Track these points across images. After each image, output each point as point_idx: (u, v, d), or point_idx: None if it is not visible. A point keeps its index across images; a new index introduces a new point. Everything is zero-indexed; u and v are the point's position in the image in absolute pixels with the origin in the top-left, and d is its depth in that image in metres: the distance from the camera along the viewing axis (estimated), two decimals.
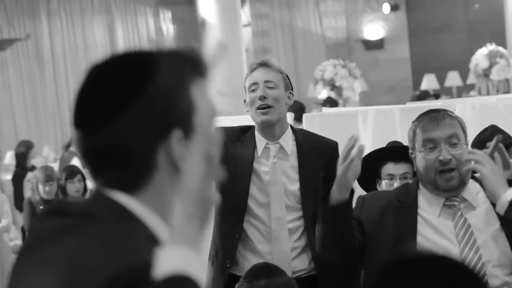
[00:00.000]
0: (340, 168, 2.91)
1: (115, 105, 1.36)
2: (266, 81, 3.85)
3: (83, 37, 15.00)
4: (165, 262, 1.25)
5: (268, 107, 3.80)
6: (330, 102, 10.42)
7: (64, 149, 11.14)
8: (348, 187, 2.93)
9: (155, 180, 1.38)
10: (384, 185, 3.83)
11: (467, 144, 3.09)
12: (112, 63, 1.42)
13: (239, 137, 3.93)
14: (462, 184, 3.04)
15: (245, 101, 3.91)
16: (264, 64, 3.91)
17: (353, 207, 3.20)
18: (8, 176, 10.54)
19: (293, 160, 3.87)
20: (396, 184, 3.75)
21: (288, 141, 3.88)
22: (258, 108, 3.81)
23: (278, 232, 3.86)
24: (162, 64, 1.39)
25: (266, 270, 3.17)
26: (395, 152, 3.83)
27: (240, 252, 3.90)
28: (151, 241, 1.35)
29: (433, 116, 3.10)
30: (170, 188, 1.40)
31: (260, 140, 3.88)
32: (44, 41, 14.72)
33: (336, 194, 2.94)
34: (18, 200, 9.43)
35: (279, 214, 3.85)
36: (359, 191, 3.98)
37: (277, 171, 3.85)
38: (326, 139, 3.93)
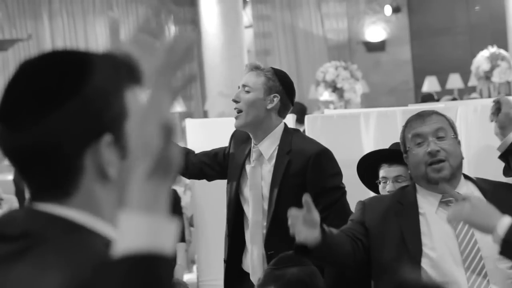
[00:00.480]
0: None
1: (46, 102, 1.30)
2: (243, 85, 3.88)
3: (84, 37, 15.00)
4: (126, 235, 1.14)
5: (239, 111, 3.84)
6: None
7: None
8: (315, 234, 2.88)
9: (82, 186, 1.32)
10: (380, 187, 3.84)
11: (456, 138, 3.16)
12: (46, 60, 1.37)
13: (247, 139, 3.97)
14: (454, 176, 3.08)
15: None
16: (248, 67, 3.95)
17: (353, 213, 3.23)
18: (10, 176, 10.54)
19: (271, 165, 3.87)
20: (389, 187, 3.73)
21: (269, 145, 3.87)
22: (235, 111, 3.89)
23: (254, 236, 3.90)
24: (98, 66, 1.34)
25: (297, 259, 3.20)
26: (388, 154, 3.83)
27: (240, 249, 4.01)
28: (106, 246, 1.26)
29: (420, 115, 3.22)
30: (99, 194, 1.34)
31: (252, 143, 3.93)
32: (46, 41, 14.72)
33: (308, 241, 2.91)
34: (20, 200, 9.43)
35: (255, 218, 3.88)
36: (361, 192, 3.99)
37: (256, 175, 3.88)
38: (308, 145, 3.87)
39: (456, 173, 3.10)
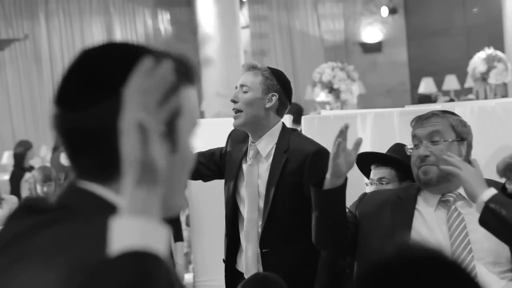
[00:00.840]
0: (330, 155, 2.93)
1: (106, 87, 1.35)
2: (241, 85, 3.90)
3: (81, 37, 15.00)
4: (119, 236, 1.20)
5: (238, 111, 3.86)
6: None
7: (52, 150, 11.14)
8: (340, 175, 2.94)
9: None
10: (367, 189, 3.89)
11: (456, 141, 3.14)
12: (108, 49, 1.43)
13: (244, 138, 3.99)
14: (443, 179, 3.08)
15: None
16: (246, 67, 3.97)
17: (354, 202, 3.26)
18: (6, 176, 10.54)
19: (269, 164, 3.89)
20: (373, 188, 3.78)
21: (266, 144, 3.89)
22: (233, 111, 3.91)
23: (249, 234, 3.92)
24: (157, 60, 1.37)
25: (264, 282, 3.20)
26: (374, 157, 3.87)
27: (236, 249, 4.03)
28: None
29: (421, 116, 3.22)
30: None
31: (250, 142, 3.95)
32: (42, 41, 14.72)
33: (328, 180, 2.96)
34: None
35: (250, 216, 3.89)
36: (359, 193, 4.00)
37: (252, 174, 3.89)
38: (307, 144, 3.89)
39: (448, 176, 3.09)
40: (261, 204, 3.86)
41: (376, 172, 3.81)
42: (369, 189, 3.84)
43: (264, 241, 3.83)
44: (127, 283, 1.16)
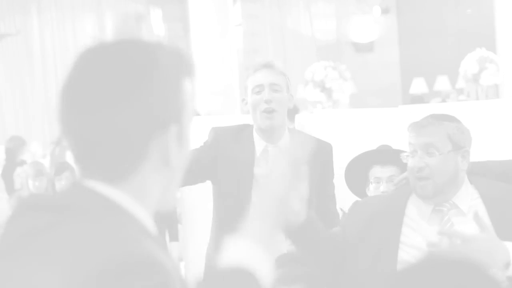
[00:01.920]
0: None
1: (119, 92, 1.35)
2: (271, 84, 3.80)
3: (73, 33, 14.97)
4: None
5: (273, 111, 3.76)
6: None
7: (55, 144, 11.11)
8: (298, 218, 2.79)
9: (142, 171, 1.38)
10: (372, 188, 3.82)
11: (453, 151, 3.03)
12: (116, 49, 1.41)
13: (236, 137, 3.88)
14: (441, 192, 3.02)
15: (243, 99, 3.90)
16: (268, 66, 3.86)
17: (344, 215, 3.21)
18: None
19: None
20: (383, 187, 3.72)
21: (286, 142, 3.81)
22: (264, 112, 3.77)
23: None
24: (163, 57, 1.39)
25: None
26: (381, 155, 3.83)
27: None
28: (140, 232, 1.35)
29: (417, 123, 3.10)
30: (155, 179, 1.40)
31: (259, 142, 3.84)
32: (34, 36, 14.68)
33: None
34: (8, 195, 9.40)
35: None
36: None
37: None
38: (320, 141, 3.89)
39: (443, 189, 3.02)
40: None
41: (384, 171, 3.75)
42: (374, 188, 3.77)
43: None
44: None
